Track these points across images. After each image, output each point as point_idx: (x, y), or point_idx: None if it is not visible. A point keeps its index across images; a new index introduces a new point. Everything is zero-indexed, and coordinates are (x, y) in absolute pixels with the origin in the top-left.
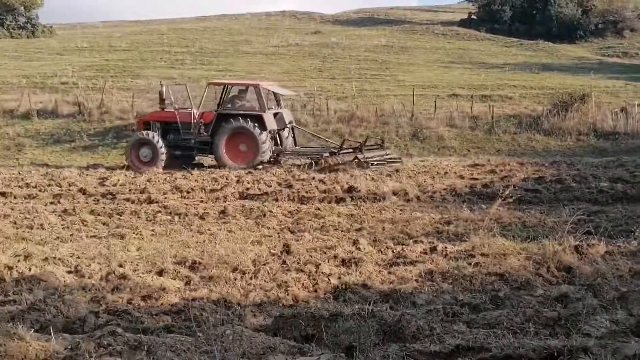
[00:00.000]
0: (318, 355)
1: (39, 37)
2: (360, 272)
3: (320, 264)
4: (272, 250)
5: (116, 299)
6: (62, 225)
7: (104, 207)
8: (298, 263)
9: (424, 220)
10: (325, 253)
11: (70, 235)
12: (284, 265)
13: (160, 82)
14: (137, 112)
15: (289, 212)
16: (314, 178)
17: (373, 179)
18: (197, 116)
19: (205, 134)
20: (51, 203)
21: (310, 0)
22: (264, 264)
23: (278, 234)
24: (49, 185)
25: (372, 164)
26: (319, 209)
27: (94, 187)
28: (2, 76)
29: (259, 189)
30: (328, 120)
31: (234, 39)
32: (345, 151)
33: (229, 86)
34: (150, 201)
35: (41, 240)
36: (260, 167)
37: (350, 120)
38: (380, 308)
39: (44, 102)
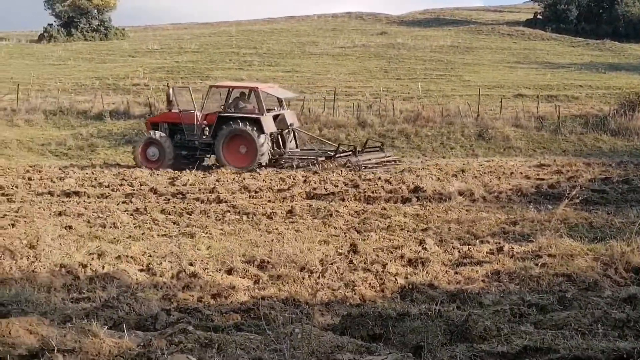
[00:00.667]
0: (386, 354)
1: (111, 40)
2: (427, 272)
3: (387, 264)
4: (339, 250)
5: (187, 297)
6: (134, 224)
7: (174, 207)
8: (365, 262)
9: (490, 221)
10: (391, 253)
11: (142, 234)
12: (351, 265)
13: (167, 83)
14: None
15: (356, 211)
16: (379, 178)
17: (439, 179)
18: (199, 118)
19: (208, 135)
20: (123, 202)
21: (376, 1)
22: (331, 264)
23: (345, 233)
24: (121, 184)
25: (365, 167)
26: (385, 208)
27: (165, 187)
28: (75, 78)
29: (326, 188)
30: (394, 121)
31: (300, 40)
32: (341, 154)
33: (231, 89)
34: (219, 201)
35: (114, 238)
36: (260, 169)
37: (415, 120)
38: (447, 308)
39: (116, 103)
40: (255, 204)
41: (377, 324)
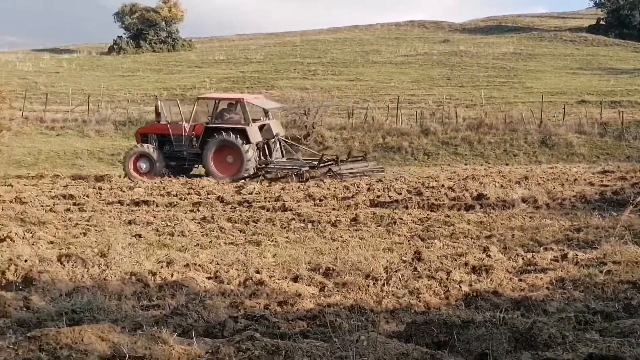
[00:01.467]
0: None
1: (178, 51)
2: (491, 280)
3: (451, 271)
4: (403, 257)
5: (254, 304)
6: (201, 232)
7: (240, 215)
8: (429, 270)
9: (553, 228)
10: (455, 260)
11: (209, 242)
12: (415, 272)
13: (155, 96)
14: None
15: (419, 219)
16: (443, 185)
17: (502, 186)
18: (187, 129)
19: (196, 145)
20: (191, 211)
21: (439, 9)
22: (396, 271)
23: (408, 241)
24: (188, 193)
25: (346, 175)
26: (448, 216)
27: (231, 195)
28: (144, 89)
29: (389, 196)
30: (457, 128)
31: (364, 49)
32: (324, 164)
33: (217, 100)
34: (284, 209)
35: (182, 246)
36: (244, 179)
37: (478, 127)
38: (512, 315)
39: (184, 113)
40: (319, 212)
41: (442, 331)
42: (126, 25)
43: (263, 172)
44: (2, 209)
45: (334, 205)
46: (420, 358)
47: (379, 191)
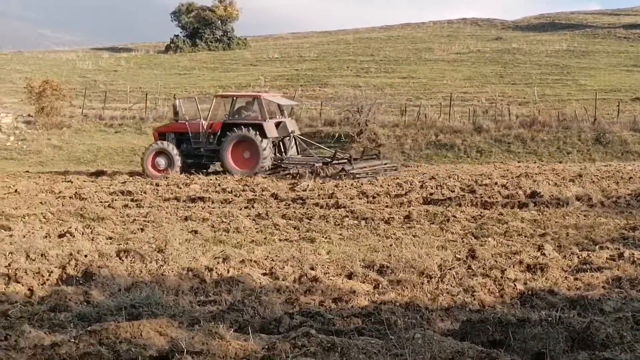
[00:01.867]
0: None
1: (234, 49)
2: (546, 278)
3: (505, 269)
4: (457, 255)
5: (309, 300)
6: (256, 229)
7: (294, 212)
8: (483, 268)
9: (608, 226)
10: (510, 258)
11: (264, 238)
12: (470, 270)
13: (174, 95)
14: (325, 120)
15: (472, 217)
16: (496, 183)
17: (556, 184)
18: (205, 126)
19: (213, 142)
20: (245, 207)
21: (491, 7)
22: (450, 269)
23: (462, 238)
24: (243, 190)
25: (358, 174)
26: (502, 214)
27: (285, 192)
28: (200, 87)
29: (443, 194)
30: (510, 126)
31: (416, 47)
32: (337, 161)
33: (235, 98)
34: (338, 206)
35: (237, 243)
36: (262, 173)
37: (531, 125)
38: (568, 315)
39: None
40: (373, 209)
41: (497, 330)
42: (183, 24)
43: (279, 167)
44: (63, 205)
45: (387, 203)
46: (476, 357)
47: (432, 189)
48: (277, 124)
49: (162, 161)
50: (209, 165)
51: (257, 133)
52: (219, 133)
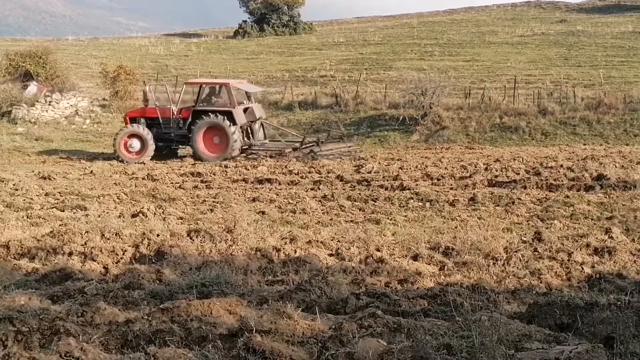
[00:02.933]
0: (575, 345)
1: (300, 34)
2: (614, 262)
3: (572, 252)
4: (523, 238)
5: (374, 281)
6: (322, 210)
7: (359, 194)
8: (550, 251)
9: None
10: (576, 241)
11: (330, 219)
12: (536, 253)
13: (144, 81)
14: (389, 102)
15: (538, 199)
16: (561, 166)
17: (623, 166)
18: (175, 112)
19: (183, 128)
20: (311, 189)
21: None
22: (516, 251)
23: (527, 221)
24: (309, 172)
25: (326, 156)
26: (567, 196)
27: (350, 174)
28: (267, 71)
29: (507, 176)
30: (575, 108)
31: (480, 30)
32: (305, 146)
33: (203, 85)
34: (402, 188)
35: (304, 224)
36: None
37: (597, 107)
38: (638, 299)
39: (304, 95)
40: (437, 191)
41: (565, 313)
42: (251, 10)
43: (248, 152)
44: (135, 186)
45: (451, 185)
46: (543, 340)
47: (496, 171)
48: (245, 110)
49: (135, 143)
50: (177, 149)
51: (226, 119)
52: (189, 119)
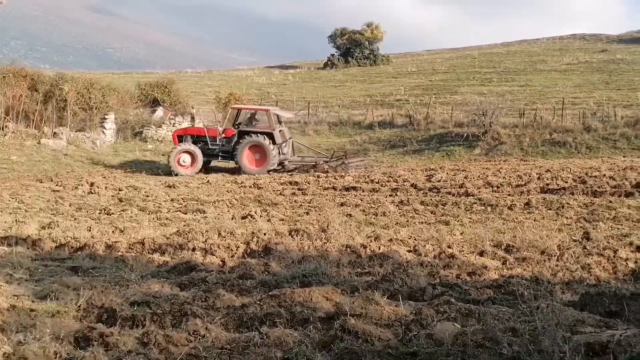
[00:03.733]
0: (624, 329)
1: (378, 65)
2: None
3: (617, 250)
4: (573, 237)
5: (447, 274)
6: (399, 213)
7: (430, 199)
8: (597, 248)
9: None
10: (620, 240)
11: (406, 221)
12: (585, 250)
13: (192, 105)
14: (455, 122)
15: (584, 204)
16: (604, 175)
17: None
18: (221, 132)
19: (227, 145)
20: (390, 195)
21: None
22: (567, 248)
23: (576, 223)
24: (388, 181)
25: (353, 167)
26: (610, 201)
27: (422, 183)
28: (351, 96)
29: (557, 184)
30: (615, 125)
31: (532, 60)
32: (334, 159)
33: (246, 110)
34: (467, 194)
35: (385, 225)
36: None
37: (635, 124)
38: None
39: (382, 116)
40: (497, 197)
41: (613, 302)
42: (337, 45)
43: (286, 166)
44: (244, 193)
45: (509, 192)
46: (595, 325)
47: (547, 180)
48: (279, 132)
49: (187, 158)
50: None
51: (268, 139)
52: (235, 138)
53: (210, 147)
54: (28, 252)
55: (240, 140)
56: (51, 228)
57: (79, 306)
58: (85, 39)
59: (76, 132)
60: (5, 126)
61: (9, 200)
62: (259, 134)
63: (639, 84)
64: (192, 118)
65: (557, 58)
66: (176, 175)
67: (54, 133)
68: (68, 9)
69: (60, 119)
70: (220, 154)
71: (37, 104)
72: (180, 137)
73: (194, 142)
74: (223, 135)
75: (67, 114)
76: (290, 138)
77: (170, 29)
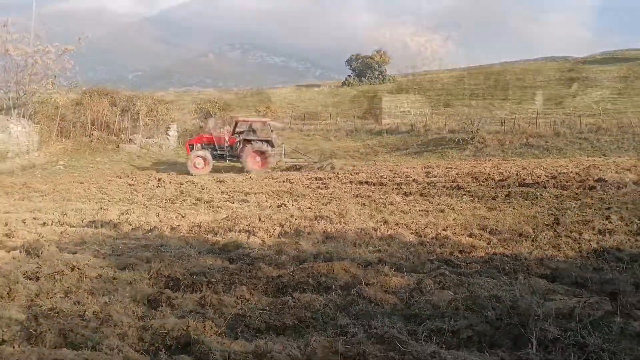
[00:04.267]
0: (588, 297)
1: (386, 83)
2: (613, 240)
3: (582, 233)
4: (545, 222)
5: (442, 251)
6: (403, 203)
7: (429, 191)
8: (565, 231)
9: None
10: (585, 225)
11: (409, 209)
12: (556, 233)
13: (205, 116)
14: (448, 129)
15: (555, 195)
16: (571, 172)
17: (617, 172)
18: (227, 139)
19: (235, 150)
20: (395, 188)
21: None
22: (541, 232)
23: (548, 211)
24: (393, 177)
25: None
26: (576, 193)
27: (422, 178)
28: (364, 108)
29: (532, 179)
30: (581, 131)
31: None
32: (321, 160)
33: (244, 122)
34: (458, 188)
35: (391, 212)
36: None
37: (597, 130)
38: (632, 266)
39: (389, 124)
40: (483, 190)
41: (579, 275)
42: (353, 68)
43: (282, 166)
44: (278, 187)
45: (492, 185)
46: (564, 293)
47: (524, 176)
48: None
49: (200, 162)
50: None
51: (268, 145)
52: (241, 145)
53: (218, 152)
54: (110, 232)
55: (246, 147)
56: (128, 214)
57: (151, 275)
58: (154, 63)
59: (147, 138)
60: (92, 134)
61: (95, 192)
62: (262, 141)
63: (600, 98)
64: (201, 127)
65: (532, 76)
66: (191, 175)
67: (129, 139)
68: (141, 39)
69: (134, 128)
70: (227, 157)
71: (116, 116)
72: (191, 145)
73: (203, 148)
74: (229, 142)
75: (139, 124)
76: (282, 144)
77: (223, 56)
